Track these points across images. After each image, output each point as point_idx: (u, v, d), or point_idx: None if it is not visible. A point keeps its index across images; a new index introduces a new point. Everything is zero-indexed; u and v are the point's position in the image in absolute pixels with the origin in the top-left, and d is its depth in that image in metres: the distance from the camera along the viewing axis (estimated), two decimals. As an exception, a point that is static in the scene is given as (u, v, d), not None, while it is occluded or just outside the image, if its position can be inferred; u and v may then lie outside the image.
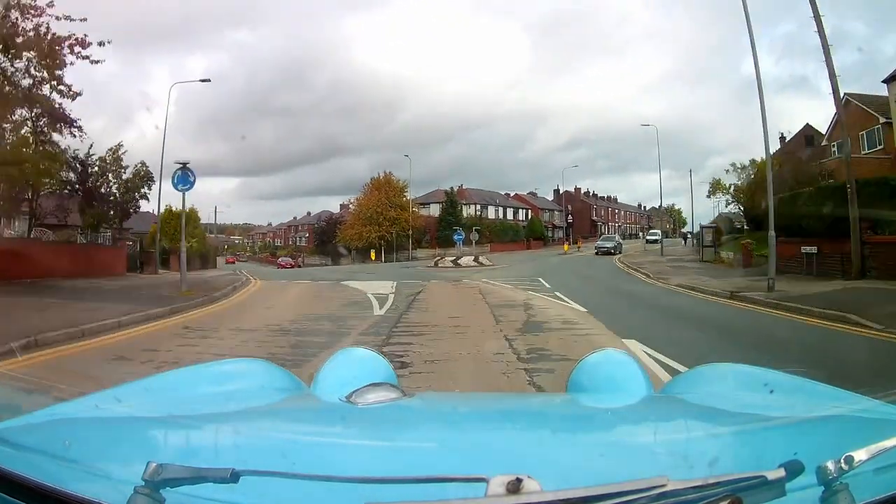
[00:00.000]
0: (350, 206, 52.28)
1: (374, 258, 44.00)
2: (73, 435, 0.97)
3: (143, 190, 26.74)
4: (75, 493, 0.67)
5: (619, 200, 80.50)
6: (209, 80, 24.94)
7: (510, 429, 1.25)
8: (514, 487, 0.61)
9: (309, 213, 76.61)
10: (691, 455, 0.91)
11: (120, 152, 25.37)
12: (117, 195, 25.55)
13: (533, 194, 63.91)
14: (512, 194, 61.40)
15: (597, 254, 31.70)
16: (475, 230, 38.33)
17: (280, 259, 54.37)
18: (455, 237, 36.14)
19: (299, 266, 48.07)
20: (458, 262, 30.51)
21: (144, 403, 1.19)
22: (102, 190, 24.74)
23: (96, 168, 24.32)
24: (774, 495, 0.63)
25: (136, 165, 26.64)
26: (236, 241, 68.61)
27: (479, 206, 55.12)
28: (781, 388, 1.26)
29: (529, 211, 61.14)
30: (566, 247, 42.56)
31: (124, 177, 25.61)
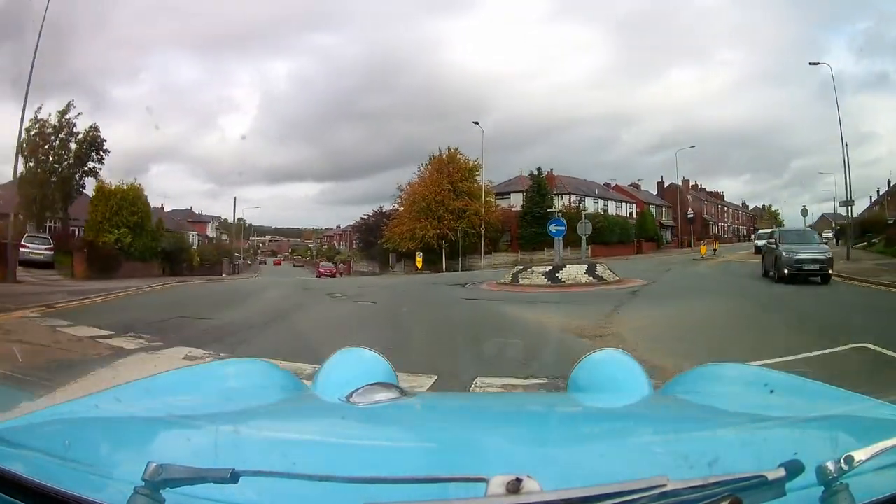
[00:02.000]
0: (402, 195, 38.00)
1: (420, 265, 32.93)
2: (73, 435, 0.97)
3: (91, 164, 23.52)
4: (75, 493, 0.67)
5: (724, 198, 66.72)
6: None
7: (510, 429, 1.25)
8: (514, 487, 0.61)
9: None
10: (691, 455, 0.91)
11: (71, 115, 22.06)
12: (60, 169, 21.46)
13: (636, 186, 49.45)
14: (612, 184, 47.24)
15: (786, 273, 13.83)
16: (585, 222, 25.38)
17: (321, 265, 45.26)
18: (553, 230, 21.21)
19: (340, 275, 39.66)
20: (558, 274, 16.85)
21: (144, 403, 1.19)
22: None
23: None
24: (774, 495, 0.63)
25: (86, 130, 23.44)
26: (308, 245, 66.04)
27: (574, 198, 40.72)
28: (781, 388, 1.26)
29: (634, 205, 47.34)
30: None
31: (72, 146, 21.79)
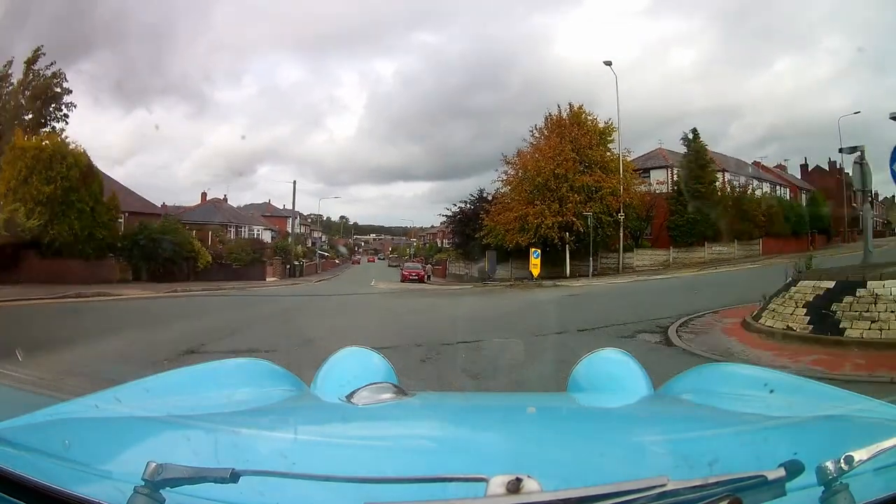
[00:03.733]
0: (508, 171, 27.75)
1: (536, 270, 23.03)
2: (73, 435, 0.97)
3: (52, 107, 16.56)
4: (75, 493, 0.67)
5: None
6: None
7: (510, 429, 1.25)
8: (514, 487, 0.61)
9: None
10: (691, 455, 0.91)
11: (41, 65, 16.22)
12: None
13: (782, 167, 38.46)
14: (760, 164, 36.51)
15: None
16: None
17: (405, 266, 36.16)
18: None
19: (428, 278, 32.39)
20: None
21: (144, 403, 1.19)
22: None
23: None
24: (774, 495, 0.63)
25: (40, 77, 17.20)
26: (411, 243, 64.93)
27: (728, 176, 31.29)
28: (781, 388, 1.26)
29: (788, 190, 37.30)
30: None
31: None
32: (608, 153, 27.03)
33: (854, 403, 1.14)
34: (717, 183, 28.98)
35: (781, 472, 0.64)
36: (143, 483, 0.64)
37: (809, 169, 43.87)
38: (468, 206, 31.64)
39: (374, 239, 74.11)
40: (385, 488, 0.70)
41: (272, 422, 1.26)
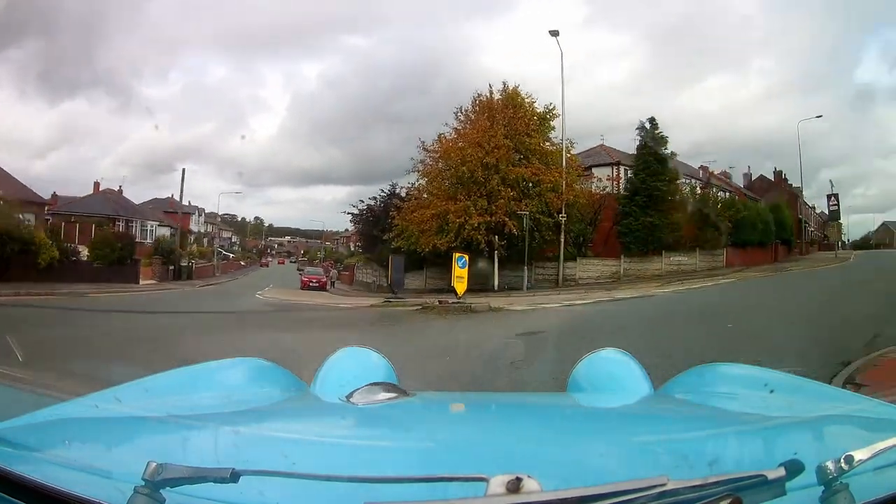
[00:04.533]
0: (426, 160, 22.70)
1: (462, 286, 15.77)
2: (73, 435, 0.97)
3: None
4: (75, 493, 0.67)
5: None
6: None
7: (510, 429, 1.25)
8: (514, 487, 0.61)
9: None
10: (691, 455, 0.91)
11: None
12: None
13: (727, 174, 35.36)
14: (710, 169, 33.55)
15: None
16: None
17: (306, 271, 31.18)
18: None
19: (332, 285, 28.61)
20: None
21: (144, 403, 1.19)
22: None
23: None
24: (774, 494, 0.63)
25: None
26: (325, 246, 63.66)
27: (682, 180, 27.58)
28: (781, 388, 1.26)
29: (737, 198, 33.65)
30: None
31: None
32: (548, 142, 22.28)
33: (854, 403, 1.14)
34: (679, 182, 24.83)
35: (781, 472, 0.64)
36: (143, 483, 0.64)
37: (753, 178, 41.88)
38: (378, 203, 26.14)
39: (289, 241, 72.37)
40: (385, 488, 0.70)
41: (272, 422, 1.26)
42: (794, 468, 0.64)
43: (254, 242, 61.42)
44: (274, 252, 64.62)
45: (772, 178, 41.74)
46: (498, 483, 0.61)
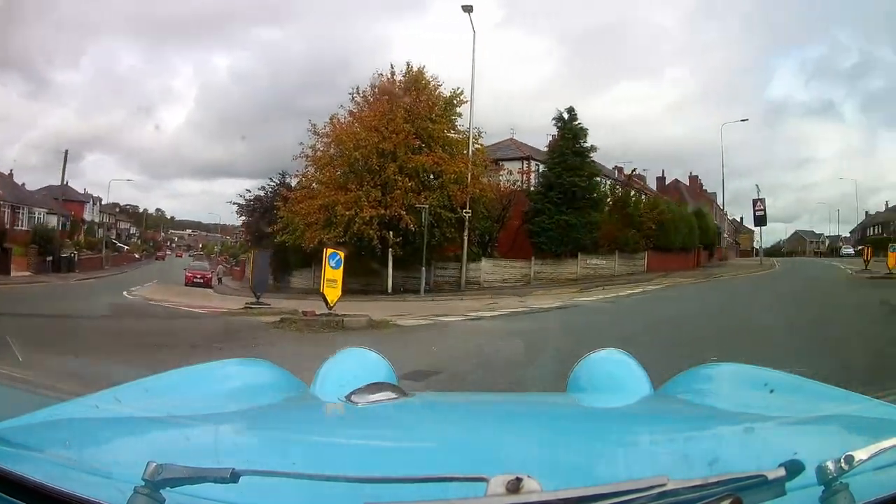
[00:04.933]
0: (316, 146, 20.09)
1: (335, 293, 9.82)
2: (73, 435, 0.97)
3: None
4: (75, 493, 0.67)
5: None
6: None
7: (510, 429, 1.25)
8: (514, 487, 0.61)
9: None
10: (691, 455, 0.91)
11: None
12: None
13: (641, 177, 32.29)
14: (625, 170, 30.38)
15: None
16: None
17: (190, 266, 28.88)
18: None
19: (219, 281, 26.49)
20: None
21: (144, 403, 1.19)
22: None
23: None
24: (774, 494, 0.63)
25: None
26: (223, 241, 62.36)
27: (600, 179, 24.92)
28: (781, 388, 1.26)
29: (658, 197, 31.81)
30: (892, 260, 18.89)
31: None
32: (454, 131, 20.10)
33: (854, 403, 1.14)
34: (598, 178, 22.88)
35: (781, 472, 0.64)
36: (143, 483, 0.64)
37: (667, 182, 40.31)
38: (267, 193, 23.48)
39: (190, 235, 70.42)
40: (385, 488, 0.70)
41: (272, 422, 1.26)
42: (794, 468, 0.64)
43: (153, 235, 59.77)
44: (174, 245, 63.28)
45: (686, 182, 41.26)
46: (498, 483, 0.61)
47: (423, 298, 17.21)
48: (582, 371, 1.71)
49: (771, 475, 0.63)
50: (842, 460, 0.66)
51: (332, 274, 9.95)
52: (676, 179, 40.76)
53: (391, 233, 18.05)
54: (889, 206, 62.14)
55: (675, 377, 1.57)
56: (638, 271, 23.04)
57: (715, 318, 10.33)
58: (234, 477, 0.65)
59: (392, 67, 20.31)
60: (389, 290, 18.41)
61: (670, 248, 24.48)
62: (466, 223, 19.38)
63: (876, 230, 63.44)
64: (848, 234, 70.07)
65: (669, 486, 0.60)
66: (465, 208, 19.02)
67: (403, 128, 18.43)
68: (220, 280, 26.26)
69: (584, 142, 21.95)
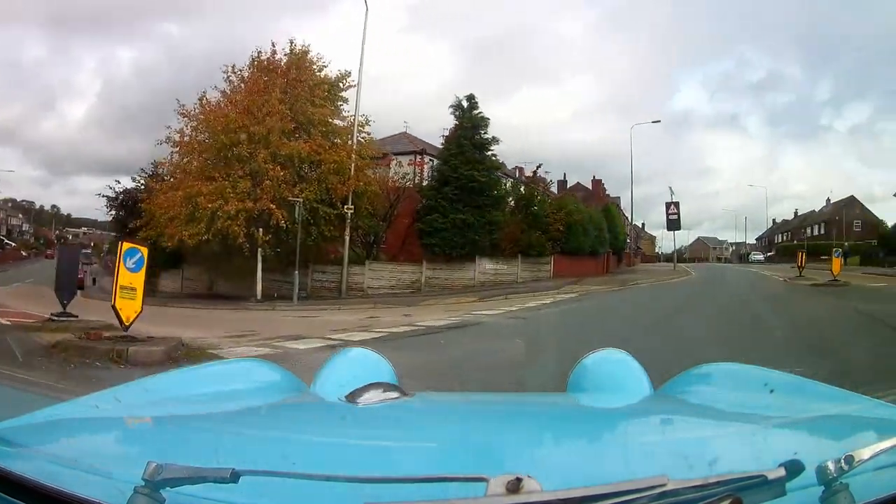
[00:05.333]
0: (185, 127, 17.63)
1: (133, 308, 6.77)
2: (73, 435, 0.97)
3: None
4: (75, 493, 0.67)
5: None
6: None
7: (510, 429, 1.25)
8: (514, 487, 0.61)
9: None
10: (691, 455, 0.91)
11: None
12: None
13: (543, 180, 28.30)
14: (526, 171, 29.15)
15: None
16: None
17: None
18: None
19: (94, 282, 20.64)
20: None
21: (144, 403, 1.19)
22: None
23: None
24: (774, 495, 0.63)
25: None
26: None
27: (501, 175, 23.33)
28: (781, 388, 1.26)
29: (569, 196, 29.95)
30: (836, 266, 17.37)
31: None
32: (338, 118, 17.97)
33: (854, 403, 1.14)
34: (500, 173, 20.94)
35: (781, 472, 0.64)
36: (143, 483, 0.64)
37: (569, 185, 38.76)
38: (139, 183, 21.18)
39: (85, 233, 67.07)
40: (385, 488, 0.70)
41: (272, 422, 1.26)
42: (794, 468, 0.64)
43: (46, 232, 58.07)
44: (68, 243, 62.22)
45: (589, 186, 39.33)
46: (498, 483, 0.61)
47: (293, 307, 14.61)
48: (582, 371, 1.71)
49: (771, 475, 0.63)
50: (842, 460, 0.66)
51: (129, 279, 6.99)
52: (579, 182, 39.45)
53: (261, 230, 15.82)
54: (798, 214, 67.96)
55: (675, 377, 1.57)
56: (543, 277, 20.70)
57: (668, 344, 7.05)
58: (234, 477, 0.65)
59: (273, 45, 17.66)
60: (259, 296, 16.15)
61: (579, 252, 22.36)
62: (348, 221, 17.21)
63: (785, 237, 67.66)
64: (754, 241, 74.84)
65: (669, 486, 0.60)
66: (347, 204, 16.89)
67: (279, 109, 15.99)
68: (94, 281, 21.88)
69: (485, 133, 19.67)
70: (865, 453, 0.68)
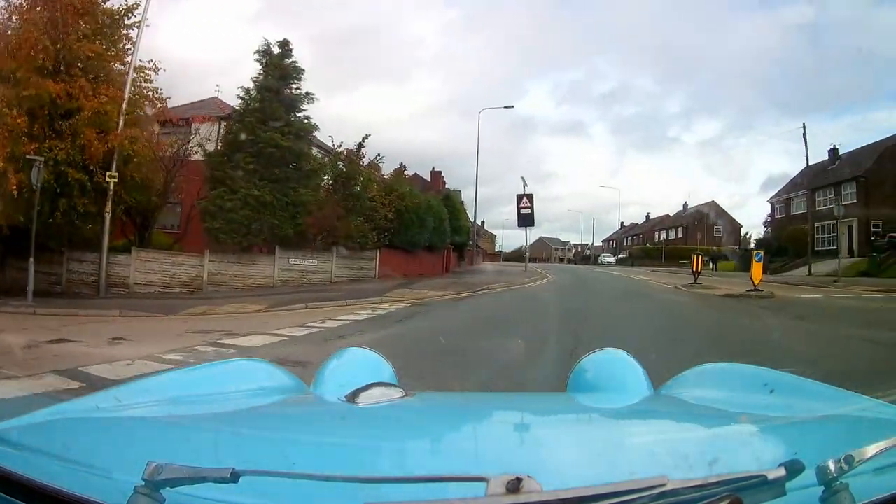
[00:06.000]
0: None
1: None
2: (73, 435, 0.97)
3: None
4: (75, 493, 0.67)
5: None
6: None
7: (510, 429, 1.25)
8: (514, 487, 0.61)
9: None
10: (691, 455, 0.91)
11: None
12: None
13: (376, 166, 20.48)
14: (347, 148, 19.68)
15: None
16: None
17: None
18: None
19: None
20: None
21: (144, 403, 1.19)
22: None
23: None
24: (774, 495, 0.63)
25: None
26: None
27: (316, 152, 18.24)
28: (781, 388, 1.26)
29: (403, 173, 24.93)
30: (757, 273, 13.94)
31: None
32: (118, 60, 13.55)
33: (854, 403, 1.14)
34: (313, 138, 16.36)
35: (781, 472, 0.64)
36: (143, 483, 0.64)
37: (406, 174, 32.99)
38: None
39: None
40: (385, 488, 0.70)
41: (272, 422, 1.26)
42: (794, 468, 0.64)
43: None
44: None
45: (427, 178, 34.71)
46: (498, 483, 0.61)
47: (30, 304, 10.50)
48: (582, 371, 1.71)
49: (771, 475, 0.63)
50: (842, 460, 0.66)
51: None
52: (417, 174, 32.63)
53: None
54: (650, 217, 69.42)
55: (675, 377, 1.57)
56: (367, 277, 16.73)
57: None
58: (234, 477, 0.65)
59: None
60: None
61: (414, 246, 18.34)
62: (111, 193, 12.72)
63: (635, 240, 69.12)
64: (601, 243, 76.17)
65: (669, 486, 0.60)
66: (110, 170, 12.51)
67: (31, 37, 11.94)
68: None
69: (298, 87, 15.10)
70: (865, 453, 0.68)
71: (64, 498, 0.67)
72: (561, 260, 77.04)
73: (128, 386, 1.28)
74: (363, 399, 1.24)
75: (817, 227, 30.47)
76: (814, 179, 32.51)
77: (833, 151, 33.15)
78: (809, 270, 24.20)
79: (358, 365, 1.71)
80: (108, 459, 0.86)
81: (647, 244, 61.11)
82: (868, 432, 0.92)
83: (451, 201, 25.08)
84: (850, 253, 28.24)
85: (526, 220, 27.28)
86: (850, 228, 30.08)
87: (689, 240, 53.90)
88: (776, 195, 39.29)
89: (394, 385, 1.42)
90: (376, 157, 18.88)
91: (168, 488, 0.64)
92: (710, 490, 0.61)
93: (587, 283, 20.32)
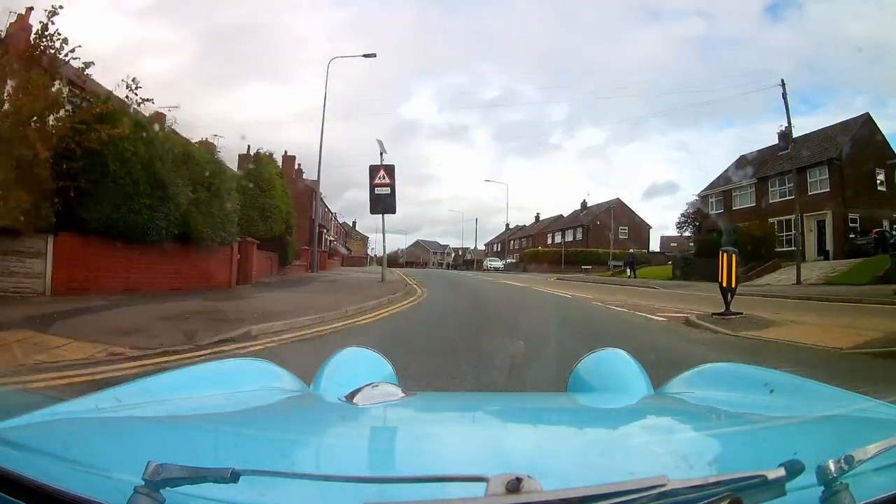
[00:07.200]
0: None
1: None
2: (73, 435, 0.97)
3: None
4: (75, 493, 0.67)
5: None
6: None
7: (510, 429, 1.25)
8: (514, 487, 0.61)
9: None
10: (691, 455, 0.91)
11: None
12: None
13: (162, 115, 10.77)
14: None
15: None
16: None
17: None
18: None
19: None
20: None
21: (144, 403, 1.19)
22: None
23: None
24: (774, 495, 0.63)
25: None
26: None
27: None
28: (781, 388, 1.26)
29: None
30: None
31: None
32: None
33: (854, 403, 1.14)
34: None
35: (781, 472, 0.64)
36: (143, 483, 0.64)
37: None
38: None
39: None
40: (385, 488, 0.70)
41: (272, 422, 1.26)
42: (794, 468, 0.64)
43: None
44: None
45: (280, 162, 25.42)
46: (498, 483, 0.61)
47: None
48: (582, 371, 1.71)
49: (771, 475, 0.63)
50: (842, 460, 0.66)
51: None
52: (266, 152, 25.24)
53: None
54: (540, 218, 68.91)
55: (675, 377, 1.57)
56: (25, 289, 8.36)
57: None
58: (234, 477, 0.65)
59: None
60: None
61: (141, 233, 9.51)
62: None
63: (525, 242, 67.24)
64: (483, 247, 74.93)
65: (669, 486, 0.60)
66: None
67: None
68: None
69: None
70: (865, 453, 0.68)
71: (64, 498, 0.67)
72: (440, 265, 74.26)
73: (128, 386, 1.28)
74: (363, 399, 1.24)
75: (772, 224, 26.43)
76: (762, 167, 28.48)
77: (783, 135, 27.93)
78: (798, 278, 18.66)
79: (358, 364, 1.71)
80: (108, 459, 0.86)
81: (539, 247, 57.72)
82: (868, 432, 0.92)
83: (262, 171, 17.24)
84: (823, 253, 24.34)
85: (382, 203, 17.21)
86: (819, 224, 25.51)
87: (591, 242, 50.99)
88: (709, 187, 34.52)
89: (393, 385, 1.42)
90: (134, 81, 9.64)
91: (168, 488, 0.64)
92: (709, 490, 0.61)
93: (481, 305, 11.97)
